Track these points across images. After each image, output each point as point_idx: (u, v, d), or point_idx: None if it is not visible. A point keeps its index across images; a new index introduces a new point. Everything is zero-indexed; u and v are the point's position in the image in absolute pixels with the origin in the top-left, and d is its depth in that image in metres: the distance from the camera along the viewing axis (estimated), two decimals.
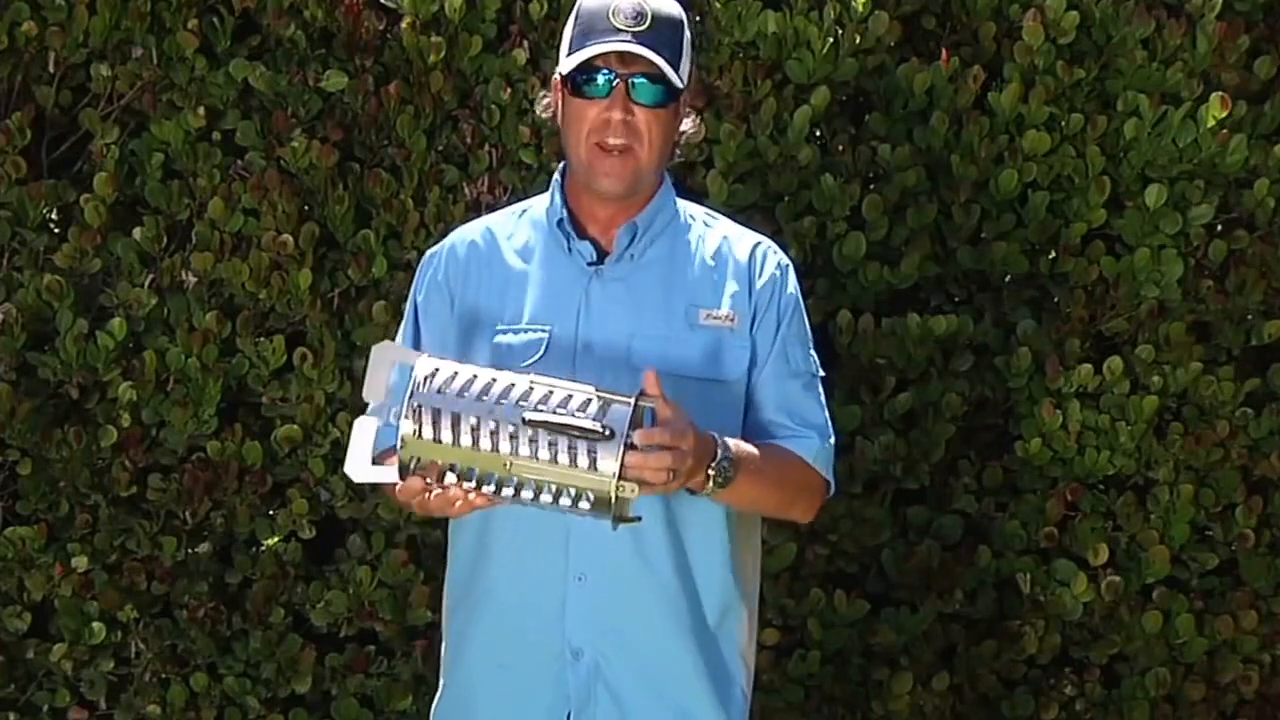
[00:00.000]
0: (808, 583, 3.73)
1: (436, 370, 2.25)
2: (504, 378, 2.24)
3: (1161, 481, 3.76)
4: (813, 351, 2.56)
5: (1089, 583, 3.73)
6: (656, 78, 2.41)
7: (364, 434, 2.30)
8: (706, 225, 2.56)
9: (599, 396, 2.20)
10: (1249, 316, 3.81)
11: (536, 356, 2.44)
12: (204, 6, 3.63)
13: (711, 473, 2.30)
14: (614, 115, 2.41)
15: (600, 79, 2.41)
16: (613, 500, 2.19)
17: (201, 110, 3.58)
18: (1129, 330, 3.77)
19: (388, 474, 2.28)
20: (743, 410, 2.49)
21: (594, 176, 2.45)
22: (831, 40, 3.62)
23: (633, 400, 2.20)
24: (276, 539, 3.67)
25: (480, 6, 3.60)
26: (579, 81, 2.43)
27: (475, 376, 2.24)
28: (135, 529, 3.64)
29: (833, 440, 2.54)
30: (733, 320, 2.48)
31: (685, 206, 2.58)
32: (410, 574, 3.65)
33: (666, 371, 2.34)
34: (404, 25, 3.58)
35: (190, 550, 3.68)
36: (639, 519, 2.26)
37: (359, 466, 2.30)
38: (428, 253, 2.62)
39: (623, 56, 2.40)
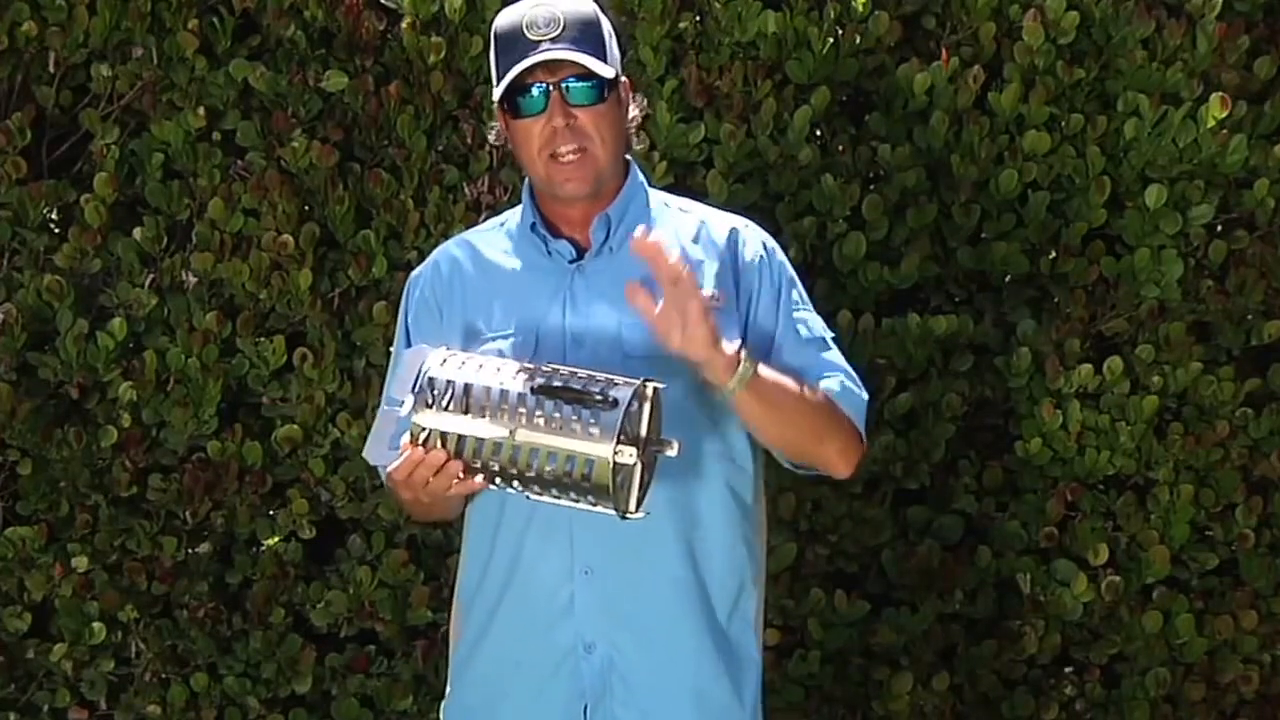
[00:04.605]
0: (808, 583, 3.73)
1: (450, 356, 2.33)
2: (515, 362, 2.33)
3: (1161, 481, 3.76)
4: (818, 317, 2.56)
5: (1089, 583, 3.73)
6: (586, 76, 2.44)
7: (387, 421, 2.39)
8: (682, 211, 2.59)
9: (605, 377, 2.26)
10: (1249, 316, 3.81)
11: (527, 358, 2.44)
12: (204, 6, 3.63)
13: (742, 353, 2.30)
14: (557, 124, 2.44)
15: (535, 93, 2.44)
16: (611, 465, 2.22)
17: (201, 110, 3.58)
18: (1129, 330, 3.77)
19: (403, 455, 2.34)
20: None
21: (557, 186, 2.48)
22: (831, 40, 3.62)
23: (638, 381, 2.25)
24: (276, 539, 3.67)
25: (480, 7, 3.59)
26: (516, 103, 2.46)
27: (487, 362, 2.32)
28: (135, 529, 3.64)
29: (863, 391, 2.52)
30: (718, 299, 2.49)
31: (658, 195, 2.61)
32: (410, 574, 3.65)
33: (660, 353, 2.37)
34: (404, 25, 3.59)
35: (190, 550, 3.68)
36: (645, 513, 2.27)
37: (379, 450, 2.38)
38: (411, 275, 2.64)
39: (548, 65, 2.43)
